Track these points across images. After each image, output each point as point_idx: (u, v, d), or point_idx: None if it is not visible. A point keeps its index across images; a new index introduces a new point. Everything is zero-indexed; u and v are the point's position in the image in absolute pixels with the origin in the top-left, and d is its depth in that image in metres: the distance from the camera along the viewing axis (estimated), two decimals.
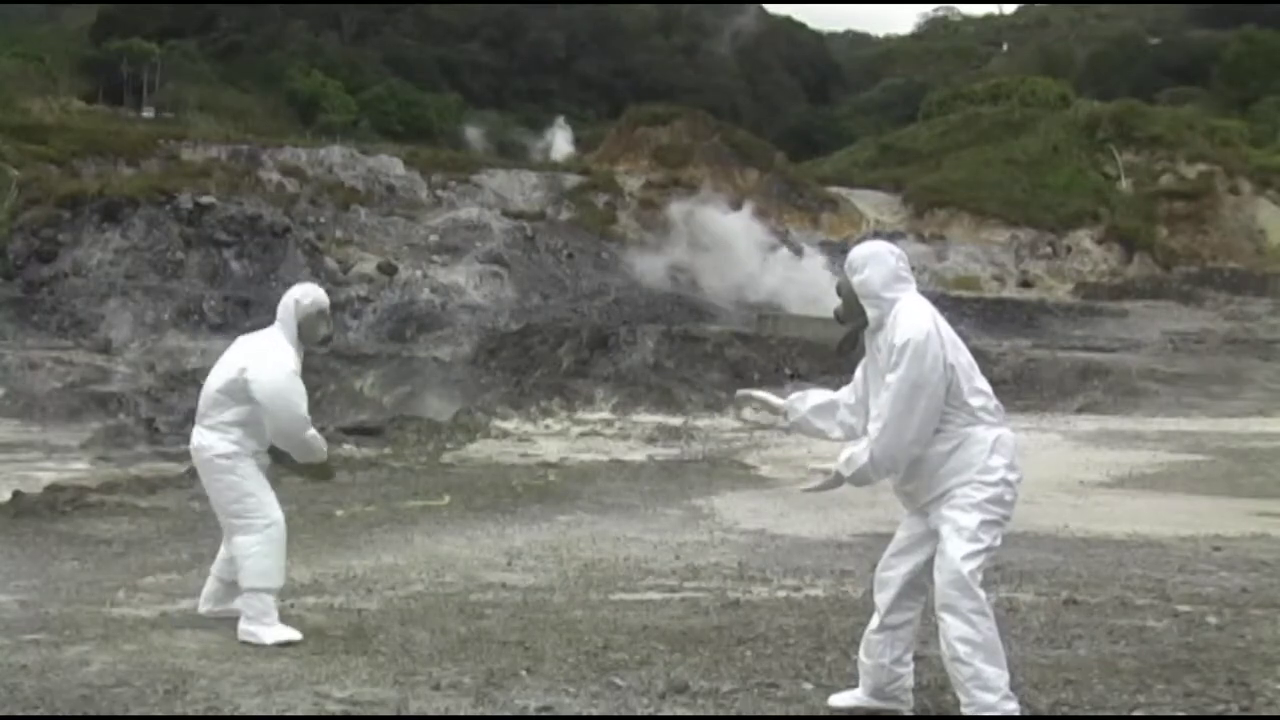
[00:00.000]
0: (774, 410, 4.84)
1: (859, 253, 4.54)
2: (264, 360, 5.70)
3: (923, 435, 4.30)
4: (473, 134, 52.69)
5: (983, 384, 4.42)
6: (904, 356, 4.26)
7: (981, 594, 4.24)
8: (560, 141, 50.94)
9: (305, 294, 5.89)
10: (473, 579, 7.33)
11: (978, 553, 4.25)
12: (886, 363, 4.34)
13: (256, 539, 5.68)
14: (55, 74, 49.80)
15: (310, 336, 5.86)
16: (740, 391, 5.09)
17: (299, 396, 5.67)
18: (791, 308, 33.19)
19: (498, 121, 60.41)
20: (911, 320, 4.33)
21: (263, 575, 5.67)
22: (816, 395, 4.75)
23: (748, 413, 4.81)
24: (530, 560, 8.00)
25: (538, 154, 49.47)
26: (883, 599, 4.54)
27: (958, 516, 4.27)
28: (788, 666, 5.27)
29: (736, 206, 37.62)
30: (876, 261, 4.46)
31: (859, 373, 4.63)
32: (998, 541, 4.34)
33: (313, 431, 5.76)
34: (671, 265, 34.59)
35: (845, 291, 4.53)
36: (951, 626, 4.21)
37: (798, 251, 36.36)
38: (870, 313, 4.43)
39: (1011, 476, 4.33)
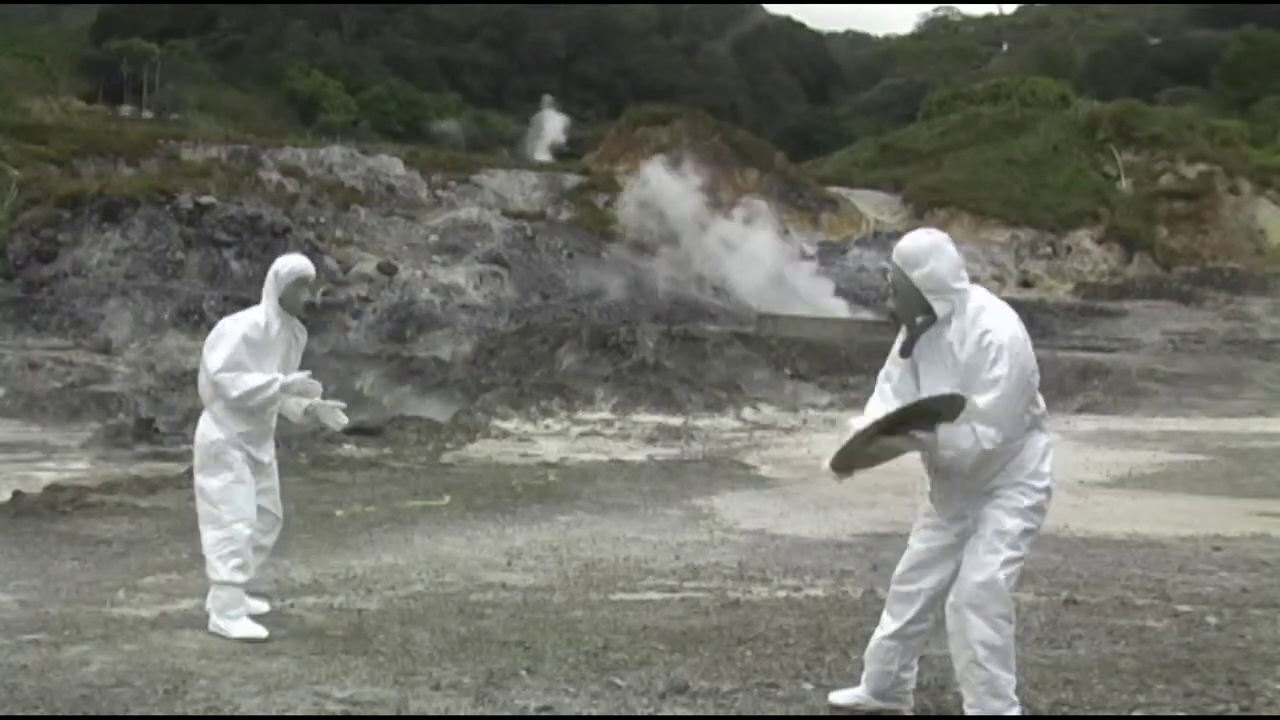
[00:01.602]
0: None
1: (917, 246, 4.29)
2: (213, 334, 5.89)
3: (1015, 435, 4.19)
4: (450, 127, 52.45)
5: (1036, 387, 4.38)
6: (1003, 355, 4.10)
7: (1010, 600, 4.21)
8: (550, 126, 49.99)
9: (284, 264, 5.98)
10: (473, 579, 7.33)
11: (1014, 560, 4.22)
12: (972, 358, 4.14)
13: (222, 534, 5.75)
14: (55, 74, 49.77)
15: (293, 306, 5.93)
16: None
17: (221, 349, 5.75)
18: (741, 292, 32.61)
19: (474, 116, 60.39)
20: (1004, 320, 4.18)
21: (228, 570, 5.72)
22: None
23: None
24: (530, 560, 8.00)
25: (529, 142, 48.97)
26: (903, 611, 4.46)
27: (1003, 519, 4.22)
28: (788, 666, 5.27)
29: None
30: (939, 254, 4.25)
31: (895, 369, 4.40)
32: (1029, 550, 4.33)
33: (230, 375, 5.73)
34: (626, 259, 34.04)
35: (903, 289, 4.29)
36: (975, 628, 4.17)
37: (747, 222, 35.20)
38: (939, 307, 4.22)
39: (1052, 485, 4.32)
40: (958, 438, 4.11)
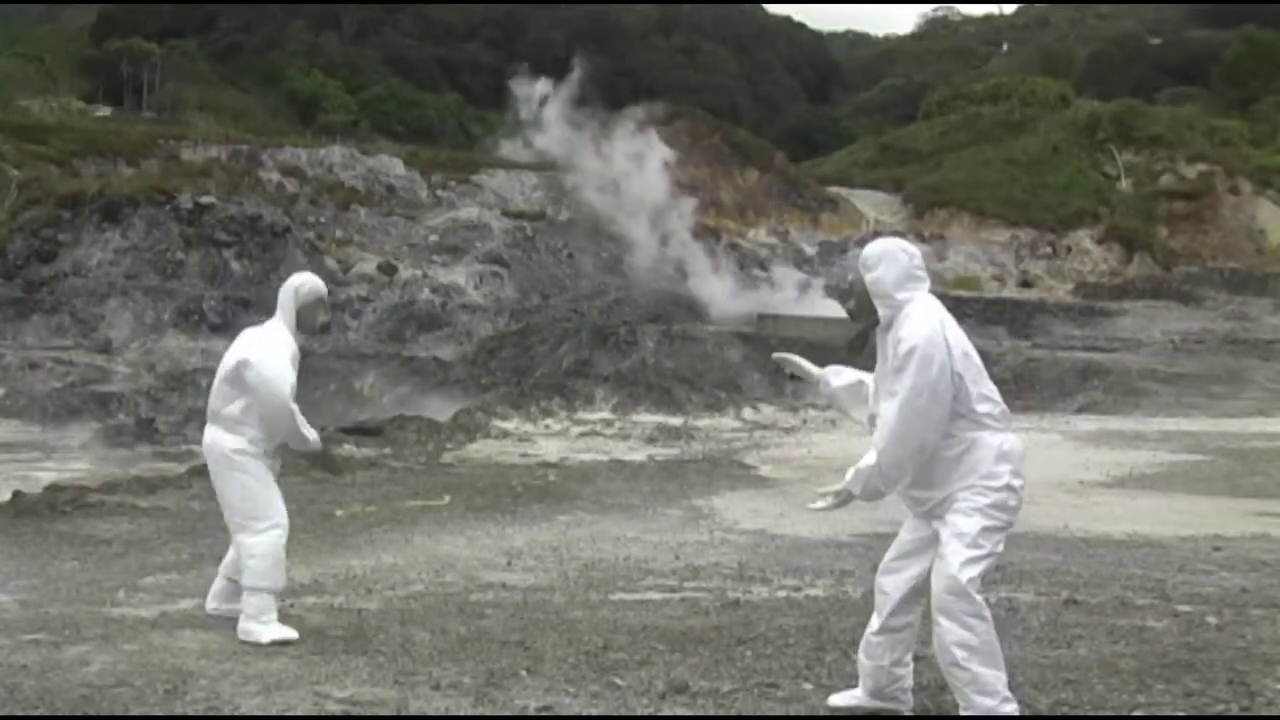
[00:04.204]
0: (808, 377, 4.84)
1: (872, 250, 4.50)
2: (259, 346, 5.81)
3: (929, 442, 4.26)
4: (430, 118, 51.94)
5: (990, 389, 4.39)
6: (910, 362, 4.23)
7: (979, 598, 4.22)
8: (526, 100, 47.87)
9: (304, 282, 5.99)
10: (473, 579, 7.33)
11: (977, 559, 4.23)
12: (893, 364, 4.32)
13: (260, 540, 5.71)
14: (55, 74, 49.74)
15: (309, 324, 5.94)
16: (777, 355, 5.03)
17: (284, 383, 5.72)
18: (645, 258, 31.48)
19: (474, 116, 60.08)
20: (918, 325, 4.29)
21: (264, 575, 5.70)
22: (850, 374, 4.73)
23: (787, 378, 4.99)
24: (530, 560, 8.00)
25: (514, 122, 47.53)
26: (885, 602, 4.52)
27: (959, 521, 4.26)
28: (788, 666, 5.28)
29: None
30: (889, 260, 4.42)
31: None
32: (999, 548, 4.32)
33: (299, 419, 5.79)
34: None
35: (858, 289, 4.50)
36: (948, 631, 4.20)
37: (635, 159, 32.36)
38: (882, 311, 4.40)
39: (1016, 483, 4.30)
40: (863, 469, 4.32)
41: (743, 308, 29.46)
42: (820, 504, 4.50)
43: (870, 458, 4.32)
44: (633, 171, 32.27)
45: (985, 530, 4.25)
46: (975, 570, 4.22)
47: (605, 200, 32.56)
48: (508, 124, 46.06)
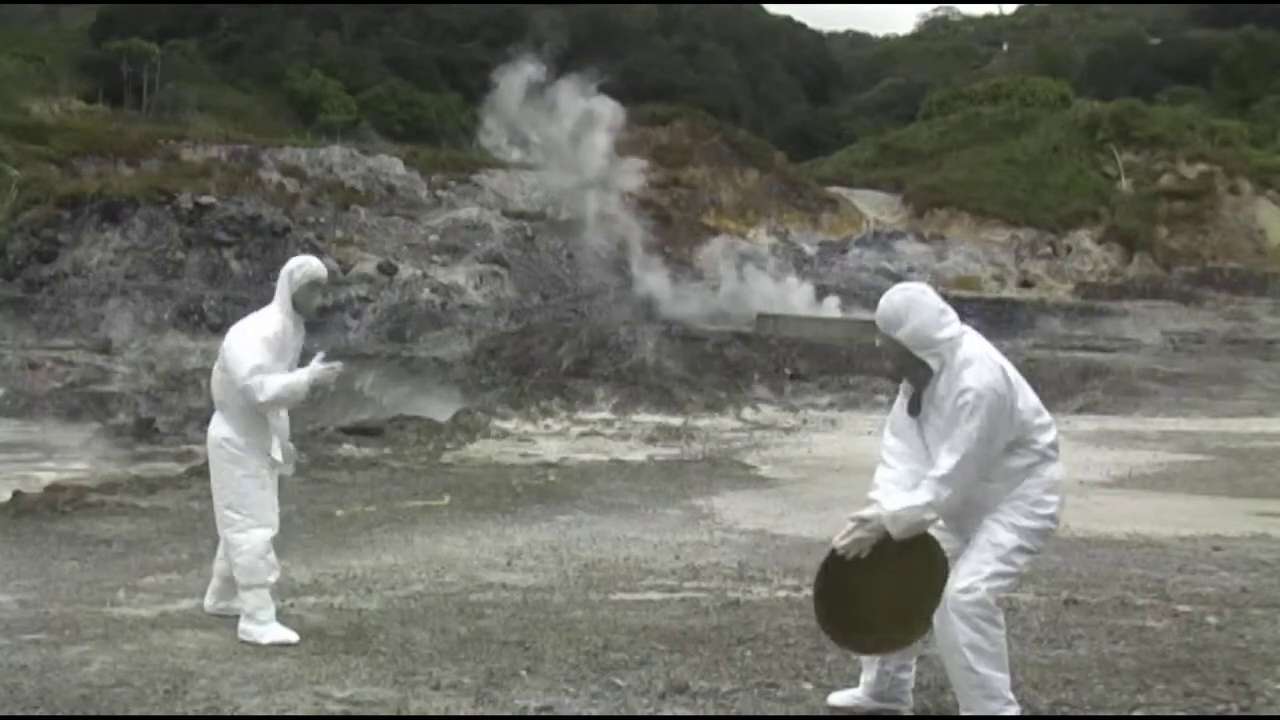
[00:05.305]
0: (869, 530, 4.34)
1: (892, 306, 4.26)
2: (236, 332, 5.82)
3: (979, 478, 4.21)
4: (430, 118, 52.05)
5: (1045, 419, 4.34)
6: (977, 411, 4.11)
7: (994, 606, 4.23)
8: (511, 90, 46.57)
9: (299, 266, 5.90)
10: (473, 579, 7.34)
11: (1005, 574, 4.23)
12: (951, 415, 4.16)
13: (246, 538, 5.71)
14: (55, 74, 49.72)
15: (305, 308, 5.87)
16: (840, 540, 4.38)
17: (243, 363, 5.63)
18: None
19: (474, 115, 60.10)
20: (980, 372, 4.16)
21: (254, 572, 5.70)
22: (899, 498, 4.26)
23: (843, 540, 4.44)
24: (530, 560, 8.00)
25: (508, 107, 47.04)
26: None
27: (998, 532, 4.24)
28: (788, 666, 5.28)
29: None
30: (916, 308, 4.23)
31: (898, 416, 4.42)
32: (1025, 569, 4.35)
33: (269, 386, 5.60)
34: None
35: (894, 351, 4.28)
36: (962, 633, 4.18)
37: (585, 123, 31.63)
38: (932, 363, 4.21)
39: (1058, 513, 4.33)
40: (911, 510, 4.13)
41: (693, 309, 29.31)
42: (847, 540, 4.22)
43: (917, 498, 4.13)
44: (580, 141, 31.96)
45: (1019, 549, 4.25)
46: (1000, 583, 4.24)
47: (570, 181, 32.32)
48: (487, 116, 45.47)
